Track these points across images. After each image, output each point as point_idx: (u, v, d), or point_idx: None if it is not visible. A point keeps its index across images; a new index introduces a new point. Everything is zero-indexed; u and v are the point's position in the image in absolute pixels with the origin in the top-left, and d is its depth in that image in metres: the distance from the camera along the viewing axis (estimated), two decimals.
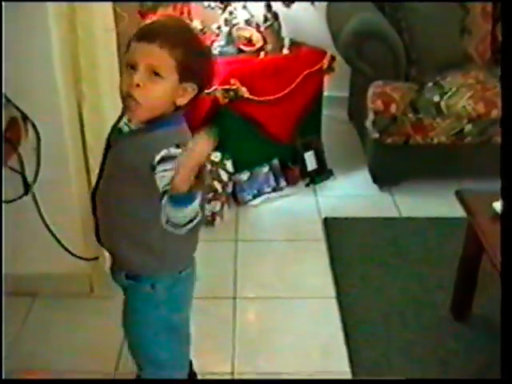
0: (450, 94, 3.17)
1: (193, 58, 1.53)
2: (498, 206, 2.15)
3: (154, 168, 1.49)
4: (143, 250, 1.65)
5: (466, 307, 2.48)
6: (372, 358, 2.30)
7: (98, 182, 1.70)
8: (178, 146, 1.48)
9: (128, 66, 1.51)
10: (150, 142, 1.53)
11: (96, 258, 2.45)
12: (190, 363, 1.98)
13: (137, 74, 1.48)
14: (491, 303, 2.36)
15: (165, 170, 1.47)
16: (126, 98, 1.52)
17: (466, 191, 2.36)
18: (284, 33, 3.39)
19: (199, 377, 2.05)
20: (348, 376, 2.23)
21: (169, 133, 1.55)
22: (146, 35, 1.50)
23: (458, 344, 2.37)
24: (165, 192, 1.45)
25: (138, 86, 1.48)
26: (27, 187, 2.25)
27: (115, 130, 1.65)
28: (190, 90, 1.56)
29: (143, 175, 1.51)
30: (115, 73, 2.29)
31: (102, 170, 1.68)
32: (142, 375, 1.88)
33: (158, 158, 1.48)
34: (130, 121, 1.62)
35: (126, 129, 1.63)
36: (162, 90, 1.51)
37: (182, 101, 1.56)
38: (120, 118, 1.64)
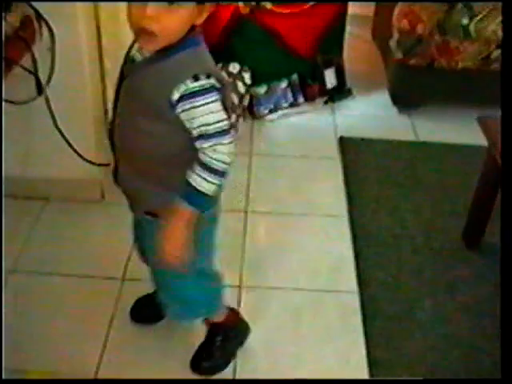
0: (480, 16, 3.04)
1: None
2: None
3: (173, 105, 1.40)
4: (166, 190, 1.53)
5: (478, 234, 2.46)
6: (381, 278, 2.30)
7: (114, 118, 1.57)
8: (195, 78, 1.38)
9: None
10: (167, 72, 1.41)
11: (107, 164, 2.42)
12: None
13: (149, 5, 1.33)
14: None
15: (193, 108, 1.39)
16: (138, 31, 1.37)
17: (487, 117, 2.30)
18: None
19: None
20: (355, 295, 2.23)
21: (186, 57, 1.42)
22: None
23: (468, 270, 2.36)
24: (200, 136, 1.41)
25: (150, 17, 1.33)
26: (40, 88, 2.21)
27: (128, 59, 1.51)
28: (208, 6, 1.41)
29: (163, 110, 1.42)
30: None
31: (116, 103, 1.55)
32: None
33: (176, 95, 1.39)
34: (142, 48, 1.47)
35: (138, 57, 1.49)
36: (179, 18, 1.36)
37: (199, 20, 1.41)
38: (131, 47, 1.48)
